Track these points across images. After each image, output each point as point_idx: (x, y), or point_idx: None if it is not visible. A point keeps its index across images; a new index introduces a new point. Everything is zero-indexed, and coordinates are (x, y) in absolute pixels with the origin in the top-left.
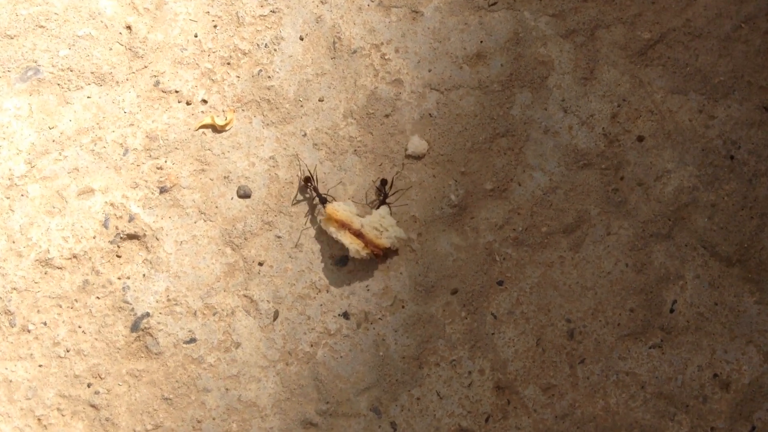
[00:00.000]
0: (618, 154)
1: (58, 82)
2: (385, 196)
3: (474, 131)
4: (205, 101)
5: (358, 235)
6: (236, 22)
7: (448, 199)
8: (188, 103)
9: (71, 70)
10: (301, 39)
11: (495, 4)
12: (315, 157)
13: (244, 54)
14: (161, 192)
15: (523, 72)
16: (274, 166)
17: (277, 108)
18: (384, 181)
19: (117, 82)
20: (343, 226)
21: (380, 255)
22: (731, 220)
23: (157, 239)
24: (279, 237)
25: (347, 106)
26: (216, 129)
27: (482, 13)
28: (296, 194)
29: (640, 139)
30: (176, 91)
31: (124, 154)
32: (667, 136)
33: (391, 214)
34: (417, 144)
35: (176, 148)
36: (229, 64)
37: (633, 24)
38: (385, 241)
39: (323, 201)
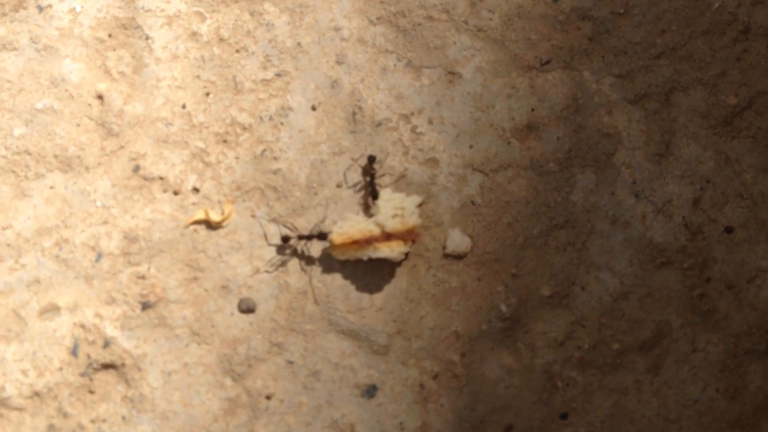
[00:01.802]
0: (703, 250)
1: (13, 169)
2: (374, 176)
3: (526, 223)
4: (196, 190)
5: (388, 237)
6: (233, 88)
7: (497, 310)
8: (176, 193)
9: (29, 154)
10: (314, 109)
11: (548, 62)
12: (333, 259)
13: (244, 129)
14: (144, 308)
15: (584, 147)
16: (283, 272)
17: (285, 197)
18: (372, 158)
19: (87, 168)
20: (366, 242)
21: (416, 236)
22: None
23: (140, 369)
24: (291, 362)
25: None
26: (211, 225)
27: (533, 74)
28: (274, 257)
29: (729, 230)
30: (161, 178)
31: (97, 261)
32: (760, 227)
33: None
34: (458, 240)
35: (162, 251)
36: (225, 142)
37: (715, 86)
38: (414, 220)
39: (322, 236)
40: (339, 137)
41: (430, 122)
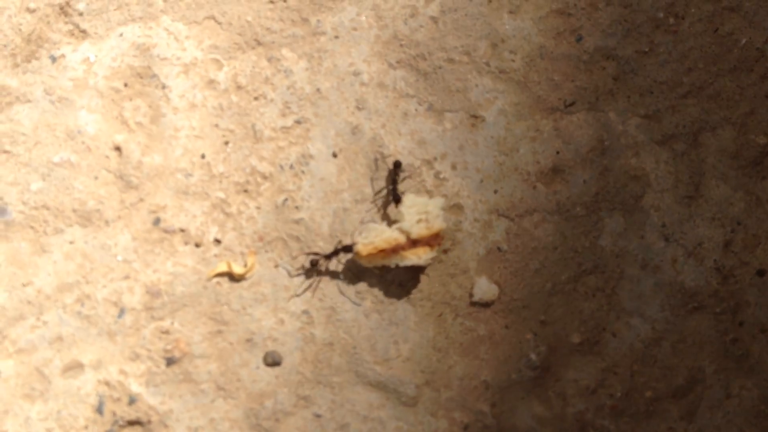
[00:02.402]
0: (735, 293)
1: (32, 225)
2: (396, 182)
3: (554, 268)
4: (218, 242)
5: (414, 244)
6: (253, 137)
7: (526, 359)
8: (197, 245)
9: (47, 208)
10: (335, 156)
11: (573, 104)
12: (359, 309)
13: (265, 178)
14: (168, 364)
15: (611, 190)
16: (308, 323)
17: (308, 247)
18: (398, 164)
19: (106, 222)
20: (392, 251)
21: (442, 239)
22: None
23: (166, 426)
24: (319, 416)
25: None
26: (234, 278)
27: (557, 116)
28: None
29: (761, 273)
30: (182, 230)
31: (120, 316)
32: None
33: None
34: (485, 288)
35: (185, 305)
36: (246, 191)
37: (744, 125)
38: (439, 224)
39: (348, 249)
40: (361, 184)
41: (454, 167)
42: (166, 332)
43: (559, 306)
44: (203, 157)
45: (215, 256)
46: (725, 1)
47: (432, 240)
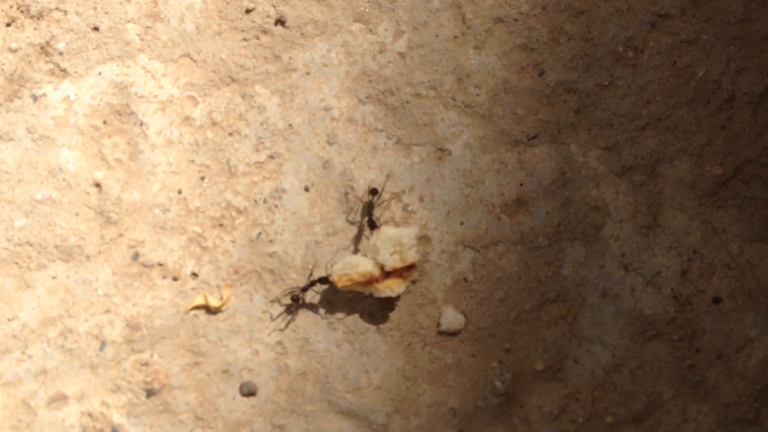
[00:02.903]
0: (692, 321)
1: (16, 261)
2: (372, 209)
3: (518, 298)
4: (195, 275)
5: (387, 275)
6: (228, 172)
7: (492, 386)
8: (175, 279)
9: (30, 245)
10: (307, 190)
11: (536, 137)
12: (331, 339)
13: (240, 212)
14: (148, 395)
15: (573, 221)
16: (282, 354)
17: (282, 279)
18: (374, 191)
19: (87, 257)
20: (367, 283)
21: (415, 270)
22: None
23: None
24: None
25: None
26: (210, 310)
27: (521, 148)
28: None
29: (717, 300)
30: (160, 265)
31: (101, 349)
32: (747, 296)
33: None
34: (451, 318)
35: (163, 338)
36: (221, 225)
37: (701, 156)
38: (411, 256)
39: (324, 281)
40: (332, 217)
41: (421, 200)
42: (146, 364)
43: (524, 334)
44: (180, 192)
45: (192, 289)
46: (683, 35)
47: (405, 272)
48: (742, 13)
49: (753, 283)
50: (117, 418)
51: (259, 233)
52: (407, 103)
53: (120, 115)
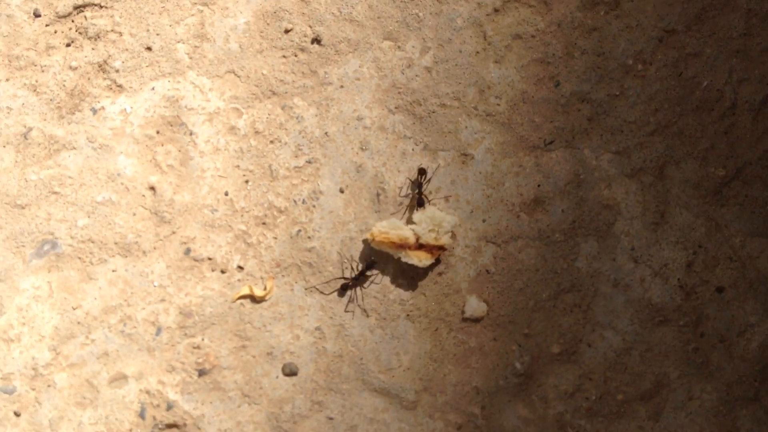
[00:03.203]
0: (696, 308)
1: (79, 256)
2: (421, 187)
3: (536, 288)
4: (241, 268)
5: (419, 248)
6: (270, 175)
7: (512, 367)
8: (223, 272)
9: (92, 242)
10: (342, 192)
11: (552, 142)
12: (365, 325)
13: (281, 212)
14: (200, 375)
15: (586, 218)
16: (320, 338)
17: (320, 272)
18: (422, 171)
19: (144, 252)
20: (400, 246)
21: (443, 252)
22: None
23: (199, 428)
24: (331, 419)
25: (397, 265)
26: (255, 299)
27: (538, 153)
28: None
29: (720, 290)
30: (209, 259)
31: (157, 334)
32: (748, 286)
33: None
34: (475, 306)
35: (213, 324)
36: (264, 224)
37: (705, 159)
38: (445, 239)
39: (370, 266)
40: (365, 216)
41: (447, 200)
42: (198, 347)
43: (541, 321)
44: (226, 194)
45: (238, 281)
46: (689, 48)
47: (435, 250)
48: (743, 28)
49: (754, 273)
50: (172, 395)
51: (299, 231)
52: (433, 112)
53: (171, 125)
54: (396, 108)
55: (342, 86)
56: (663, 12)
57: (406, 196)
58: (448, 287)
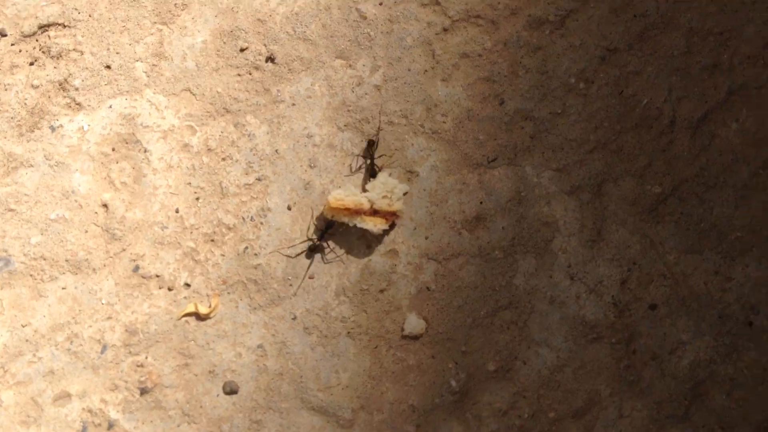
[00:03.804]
0: (629, 325)
1: (31, 273)
2: (373, 158)
3: (475, 305)
4: (188, 285)
5: (374, 213)
6: (220, 193)
7: (448, 385)
8: (170, 289)
9: (44, 259)
10: (289, 209)
11: (495, 160)
12: (306, 343)
13: (229, 229)
14: (142, 393)
15: (526, 235)
16: (262, 356)
17: (264, 289)
18: (372, 142)
19: (93, 270)
20: (355, 212)
21: (397, 218)
22: (752, 396)
23: None
24: None
25: (339, 282)
26: (200, 317)
27: (481, 170)
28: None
29: (653, 307)
30: (157, 276)
31: (102, 352)
32: (681, 303)
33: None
34: (414, 323)
35: (158, 342)
36: (213, 241)
37: (642, 176)
38: (397, 205)
39: (330, 225)
40: (311, 234)
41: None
42: (141, 366)
43: (478, 338)
44: (177, 211)
45: (185, 298)
46: (630, 66)
47: (389, 215)
48: (684, 46)
49: (686, 291)
50: (114, 414)
51: (246, 247)
52: (381, 130)
53: (127, 143)
54: (345, 126)
55: (294, 104)
56: (606, 31)
57: (360, 168)
58: (389, 304)
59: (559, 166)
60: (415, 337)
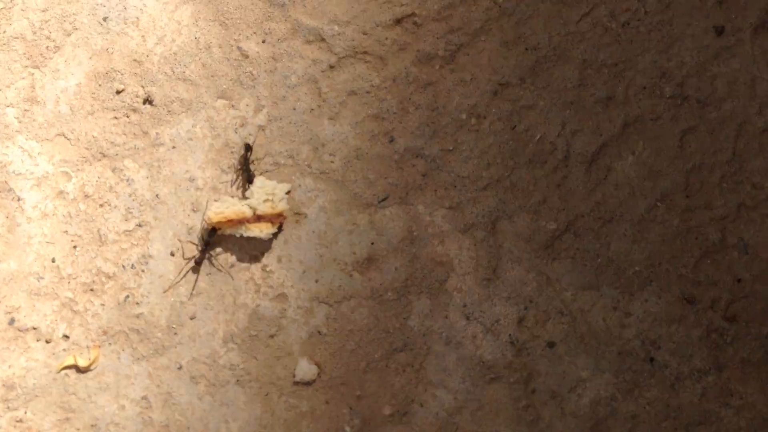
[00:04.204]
0: (527, 364)
1: None
2: (248, 163)
3: (369, 348)
4: (66, 337)
5: (258, 219)
6: (98, 240)
7: (342, 431)
8: (48, 341)
9: None
10: (172, 255)
11: (385, 199)
12: (193, 392)
13: (109, 278)
14: None
15: (419, 276)
16: (147, 408)
17: (147, 338)
18: (248, 146)
19: None
20: (239, 222)
21: (283, 219)
22: None
23: None
24: None
25: (227, 329)
26: (80, 369)
27: (372, 210)
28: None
29: (551, 345)
30: (34, 329)
31: None
32: (580, 340)
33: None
34: (306, 368)
35: (37, 396)
36: (92, 290)
37: (537, 212)
38: (281, 206)
39: (212, 233)
40: (193, 279)
41: (279, 260)
42: (20, 421)
43: (373, 381)
44: (53, 261)
45: (63, 350)
46: (523, 101)
47: (275, 218)
48: (578, 79)
49: (585, 327)
50: None
51: (127, 296)
52: (266, 171)
53: None
54: (229, 168)
55: (174, 147)
56: (498, 65)
57: (237, 177)
58: (280, 350)
59: (452, 204)
60: (307, 383)
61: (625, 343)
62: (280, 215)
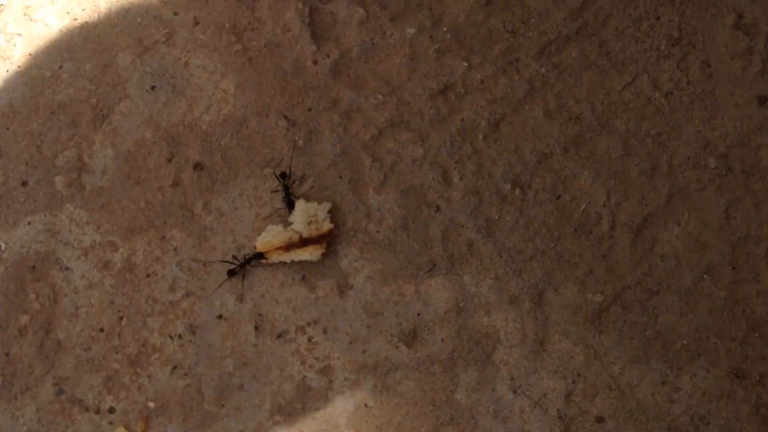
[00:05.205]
0: None
1: None
2: (287, 189)
3: (415, 422)
4: (113, 409)
5: (305, 243)
6: (145, 311)
7: None
8: (95, 413)
9: None
10: (220, 324)
11: (432, 269)
12: None
13: (155, 349)
14: None
15: (466, 348)
16: None
17: (195, 410)
18: (283, 174)
19: (14, 396)
20: (287, 248)
21: (330, 238)
22: None
23: None
24: None
25: (273, 400)
26: None
27: (418, 280)
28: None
29: (600, 420)
30: (80, 401)
31: None
32: (628, 415)
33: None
34: None
35: None
36: (138, 362)
37: (584, 284)
38: (326, 226)
39: (258, 256)
40: (243, 350)
41: (325, 331)
42: None
43: None
44: (101, 331)
45: (110, 423)
46: (566, 171)
47: (321, 239)
48: (621, 149)
49: (633, 402)
50: None
51: (174, 368)
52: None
53: (46, 261)
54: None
55: (222, 215)
56: (541, 135)
57: (281, 206)
58: (327, 423)
59: (497, 274)
60: None
61: (674, 419)
62: (326, 235)
